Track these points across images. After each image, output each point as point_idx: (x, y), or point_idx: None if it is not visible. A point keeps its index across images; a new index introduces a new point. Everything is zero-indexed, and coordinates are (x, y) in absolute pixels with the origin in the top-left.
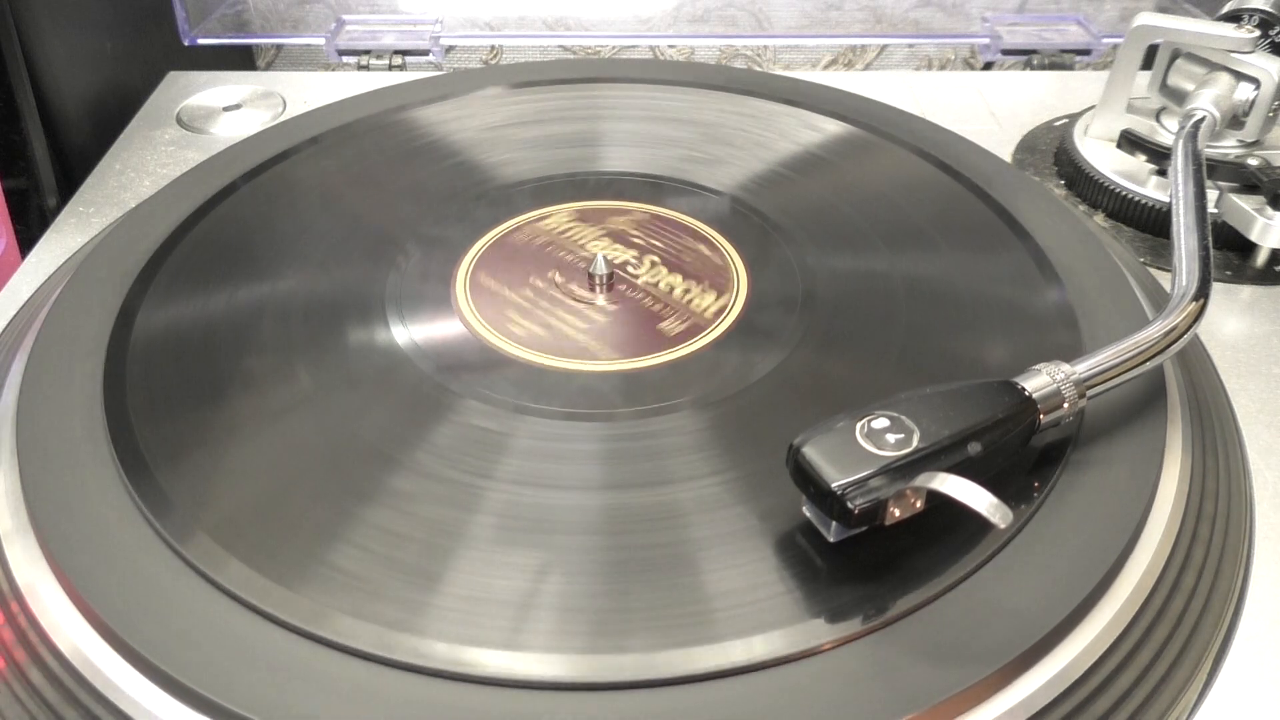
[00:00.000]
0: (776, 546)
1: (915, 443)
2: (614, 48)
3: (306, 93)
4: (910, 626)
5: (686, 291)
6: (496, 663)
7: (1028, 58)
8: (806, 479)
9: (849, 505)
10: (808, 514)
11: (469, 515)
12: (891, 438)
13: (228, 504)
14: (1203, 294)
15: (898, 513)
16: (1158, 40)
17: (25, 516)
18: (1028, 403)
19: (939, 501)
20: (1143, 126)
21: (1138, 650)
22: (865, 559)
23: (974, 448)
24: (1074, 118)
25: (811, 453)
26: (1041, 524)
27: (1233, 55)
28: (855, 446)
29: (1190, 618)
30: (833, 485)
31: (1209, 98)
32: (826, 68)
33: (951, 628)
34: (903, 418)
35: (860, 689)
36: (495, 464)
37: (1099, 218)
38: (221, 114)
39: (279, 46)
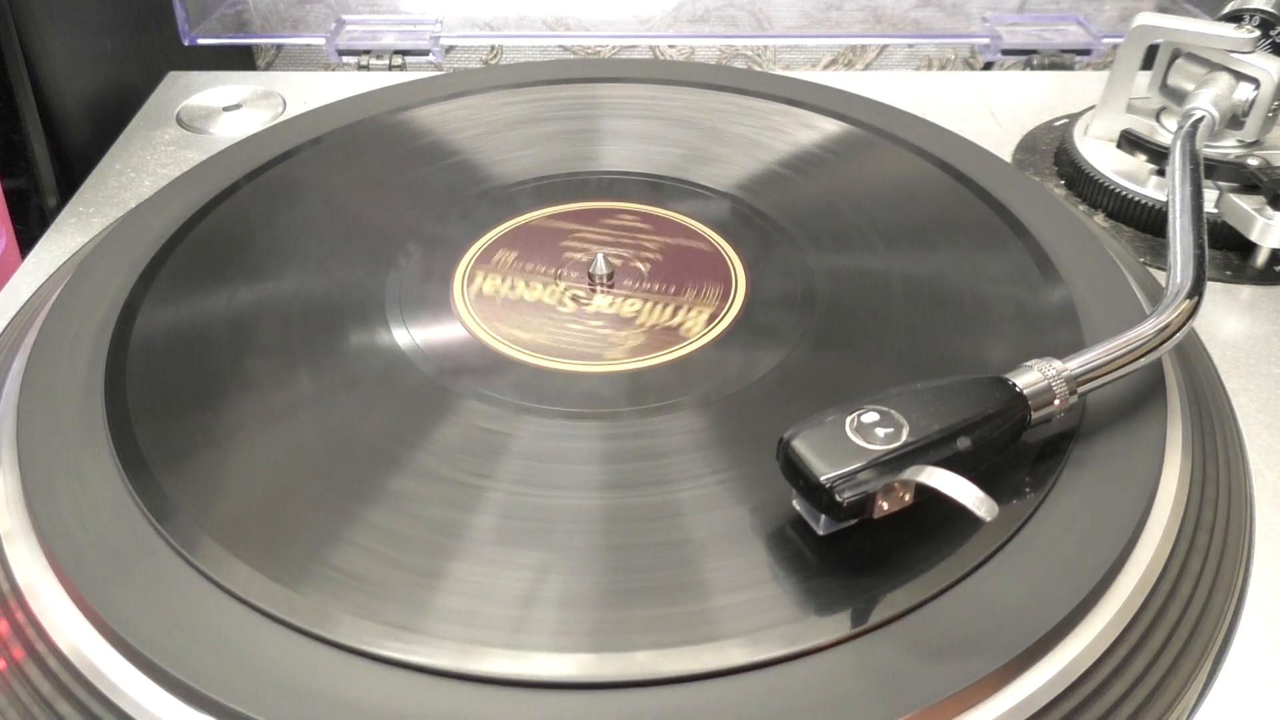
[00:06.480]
0: (778, 546)
1: (904, 437)
2: (614, 48)
3: (306, 93)
4: (910, 625)
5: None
6: (498, 662)
7: (1028, 58)
8: (796, 472)
9: (837, 498)
10: (798, 507)
11: (470, 516)
12: (881, 432)
13: (229, 504)
14: (1197, 292)
15: (886, 506)
16: (1158, 40)
17: (25, 516)
18: (1018, 399)
19: (927, 496)
20: (1143, 126)
21: (1138, 650)
22: (864, 558)
23: (963, 442)
24: (1074, 118)
25: (801, 446)
26: (1041, 523)
27: (1233, 55)
28: (845, 440)
29: (1190, 617)
30: (821, 478)
31: (1208, 98)
32: (826, 68)
33: (951, 627)
34: (892, 412)
35: (860, 688)
36: (496, 464)
37: (1099, 218)
38: (221, 114)
39: (279, 46)
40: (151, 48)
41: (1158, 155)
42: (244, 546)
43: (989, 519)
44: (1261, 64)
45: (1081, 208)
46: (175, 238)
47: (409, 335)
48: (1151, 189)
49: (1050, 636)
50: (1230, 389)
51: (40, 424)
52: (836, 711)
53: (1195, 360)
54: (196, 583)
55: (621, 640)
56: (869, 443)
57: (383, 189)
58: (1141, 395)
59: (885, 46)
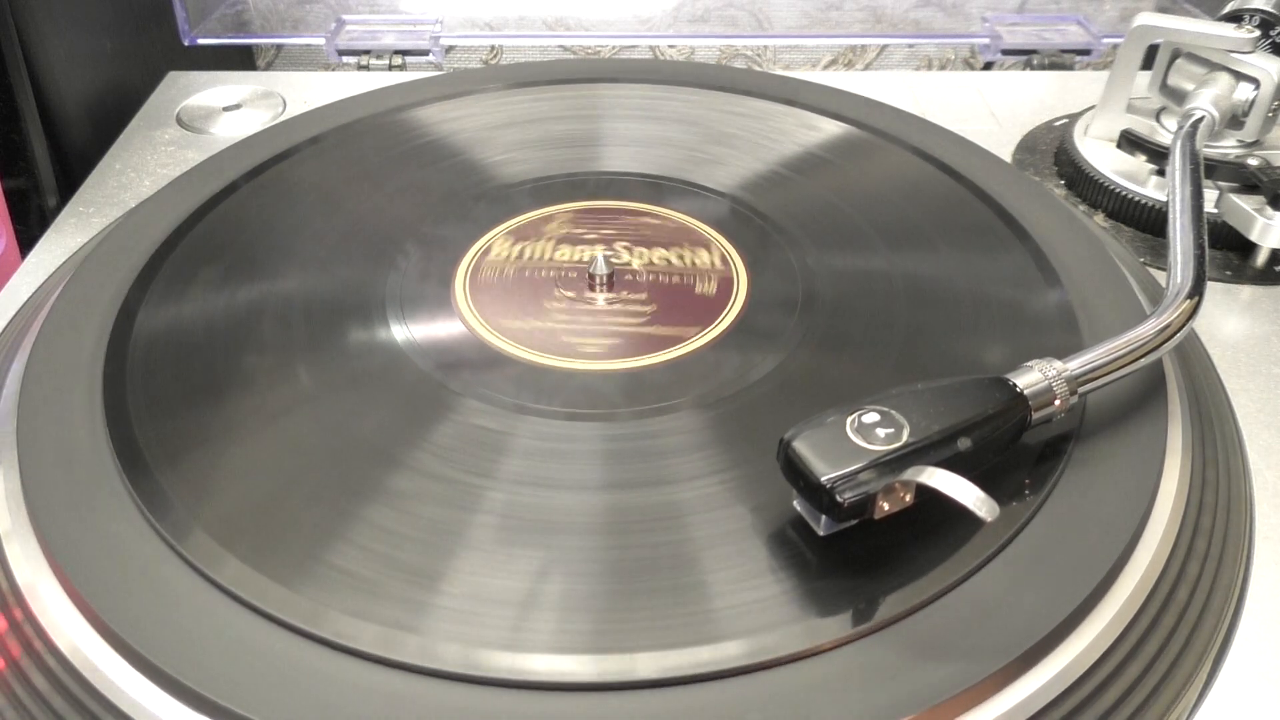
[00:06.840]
0: (777, 547)
1: (905, 437)
2: (614, 48)
3: (306, 93)
4: (910, 626)
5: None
6: (497, 663)
7: (1028, 58)
8: (796, 472)
9: (838, 499)
10: (798, 508)
11: (469, 515)
12: (881, 432)
13: (228, 503)
14: (1197, 292)
15: (886, 506)
16: (1158, 40)
17: (25, 516)
18: (1018, 399)
19: (928, 496)
20: (1143, 126)
21: (1138, 650)
22: (865, 559)
23: (963, 443)
24: (1074, 118)
25: (801, 446)
26: (1042, 524)
27: (1233, 55)
28: (845, 441)
29: (1190, 617)
30: (822, 479)
31: (1208, 98)
32: (826, 68)
33: (951, 627)
34: (893, 412)
35: (860, 689)
36: (495, 463)
37: (1099, 218)
38: (221, 114)
39: (279, 46)
40: (151, 48)
41: (1158, 155)
42: (243, 546)
43: (989, 519)
44: (1261, 64)
45: (1081, 208)
46: (175, 238)
47: (409, 334)
48: (1151, 189)
49: (1051, 637)
50: (1230, 389)
51: (40, 424)
52: (837, 713)
53: (1195, 360)
54: (195, 582)
55: (621, 641)
56: (869, 443)
57: (382, 189)
58: (1141, 396)
59: (885, 46)
